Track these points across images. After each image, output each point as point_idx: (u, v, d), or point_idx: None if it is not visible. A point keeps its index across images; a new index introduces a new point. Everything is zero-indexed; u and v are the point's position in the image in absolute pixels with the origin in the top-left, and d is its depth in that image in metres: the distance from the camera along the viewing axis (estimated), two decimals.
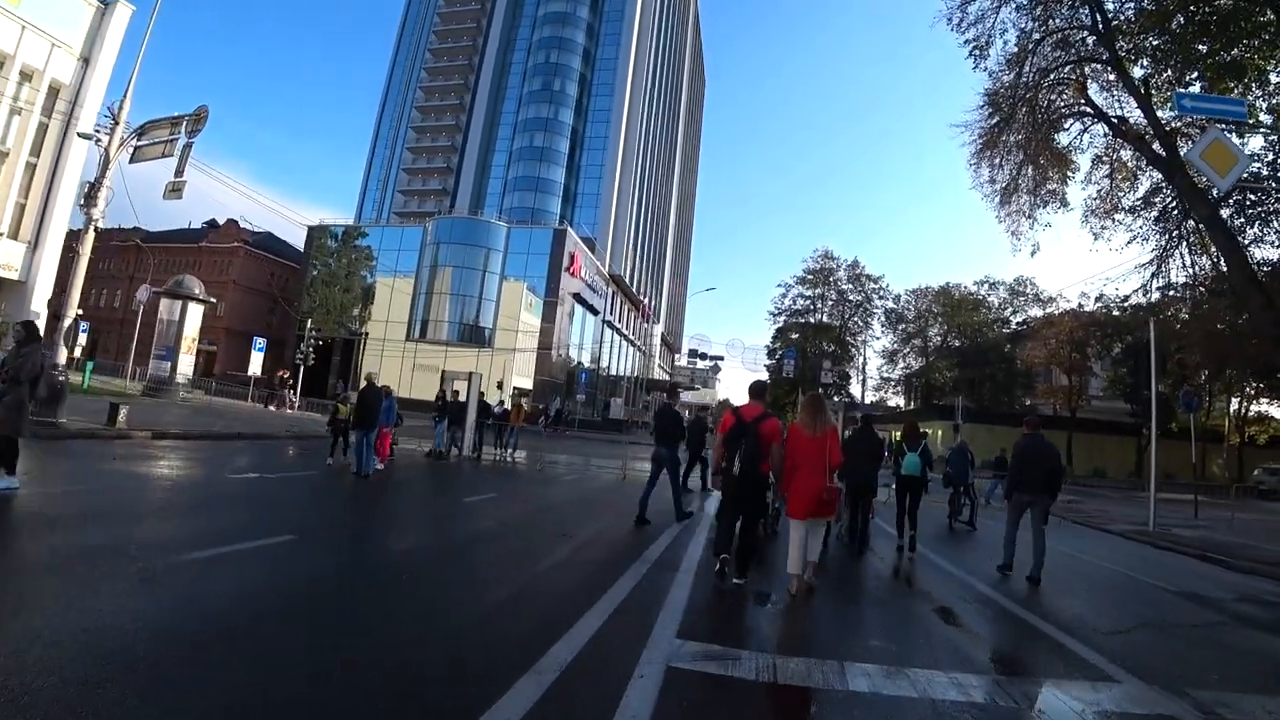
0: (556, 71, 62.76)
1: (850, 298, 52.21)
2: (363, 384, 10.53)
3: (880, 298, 52.91)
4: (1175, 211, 14.55)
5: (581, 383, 42.00)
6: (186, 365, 24.24)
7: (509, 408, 18.32)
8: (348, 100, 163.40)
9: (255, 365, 30.30)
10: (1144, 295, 16.61)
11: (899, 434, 9.58)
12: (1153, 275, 15.80)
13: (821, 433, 5.41)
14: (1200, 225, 13.70)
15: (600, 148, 61.32)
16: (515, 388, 46.84)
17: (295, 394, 29.81)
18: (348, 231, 55.84)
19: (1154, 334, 13.86)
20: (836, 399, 35.31)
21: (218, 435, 14.64)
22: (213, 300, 25.64)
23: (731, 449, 5.46)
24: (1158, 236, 15.54)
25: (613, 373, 61.30)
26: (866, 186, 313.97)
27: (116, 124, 13.77)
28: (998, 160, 16.57)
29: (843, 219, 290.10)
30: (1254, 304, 12.38)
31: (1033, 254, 17.32)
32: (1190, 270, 15.51)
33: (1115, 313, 41.57)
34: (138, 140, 13.67)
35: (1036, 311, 50.53)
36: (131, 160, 13.71)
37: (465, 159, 66.85)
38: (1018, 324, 52.83)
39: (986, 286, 53.93)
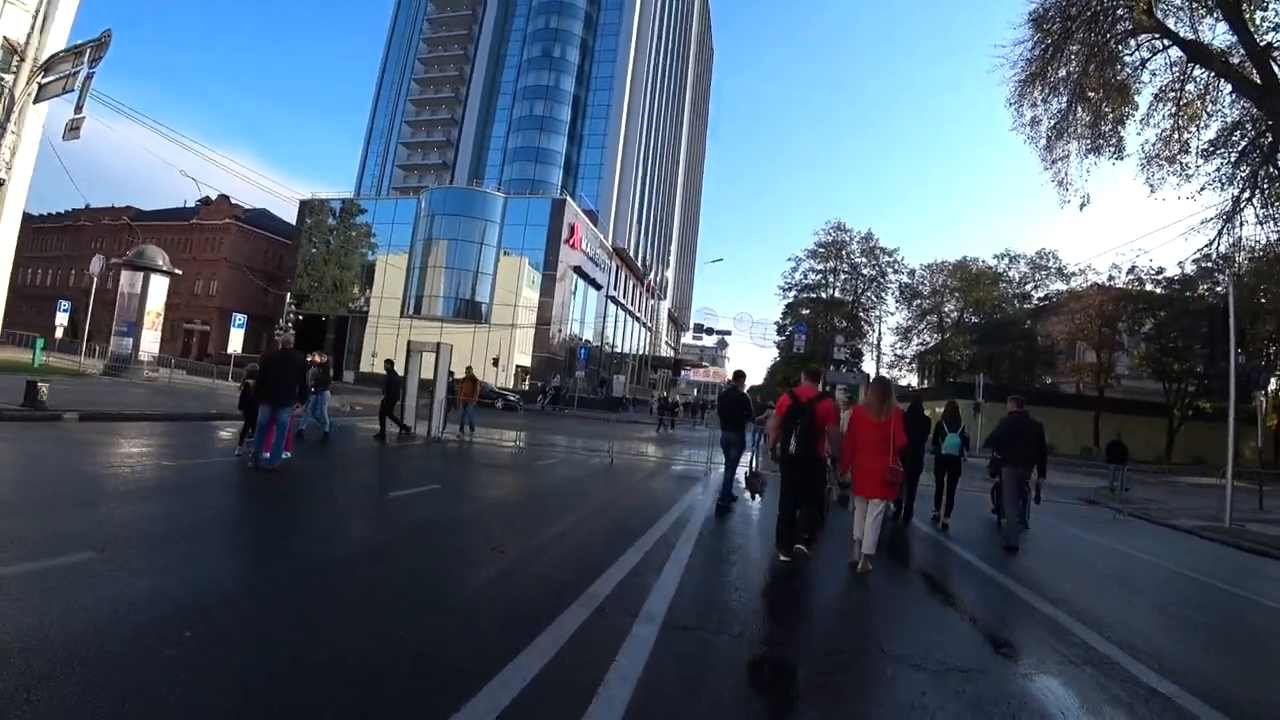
0: (557, 37, 60.05)
1: (863, 272, 49.94)
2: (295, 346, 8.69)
3: (895, 272, 50.62)
4: (1258, 152, 12.37)
5: (581, 359, 40.14)
6: (151, 342, 22.58)
7: (459, 379, 16.20)
8: (346, 73, 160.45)
9: (236, 343, 28.85)
10: (1210, 253, 14.33)
11: (941, 415, 9.58)
12: (1221, 230, 13.59)
13: (886, 416, 5.55)
14: None
15: (603, 116, 58.81)
16: (518, 365, 45.22)
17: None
18: (346, 207, 53.94)
19: (1234, 294, 11.81)
20: (851, 374, 33.27)
21: (154, 416, 12.92)
22: (177, 272, 23.77)
23: (788, 430, 5.69)
24: (1227, 186, 13.37)
25: (618, 349, 59.41)
26: (882, 152, 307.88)
27: (23, 60, 11.92)
28: (1044, 96, 14.37)
29: (857, 190, 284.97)
30: None
31: (1082, 207, 15.04)
32: (1268, 224, 13.29)
33: (1149, 286, 39.47)
34: (43, 78, 11.79)
35: (1060, 286, 48.15)
36: (36, 100, 11.83)
37: (464, 131, 64.57)
38: (1039, 299, 50.45)
39: (1006, 260, 51.54)
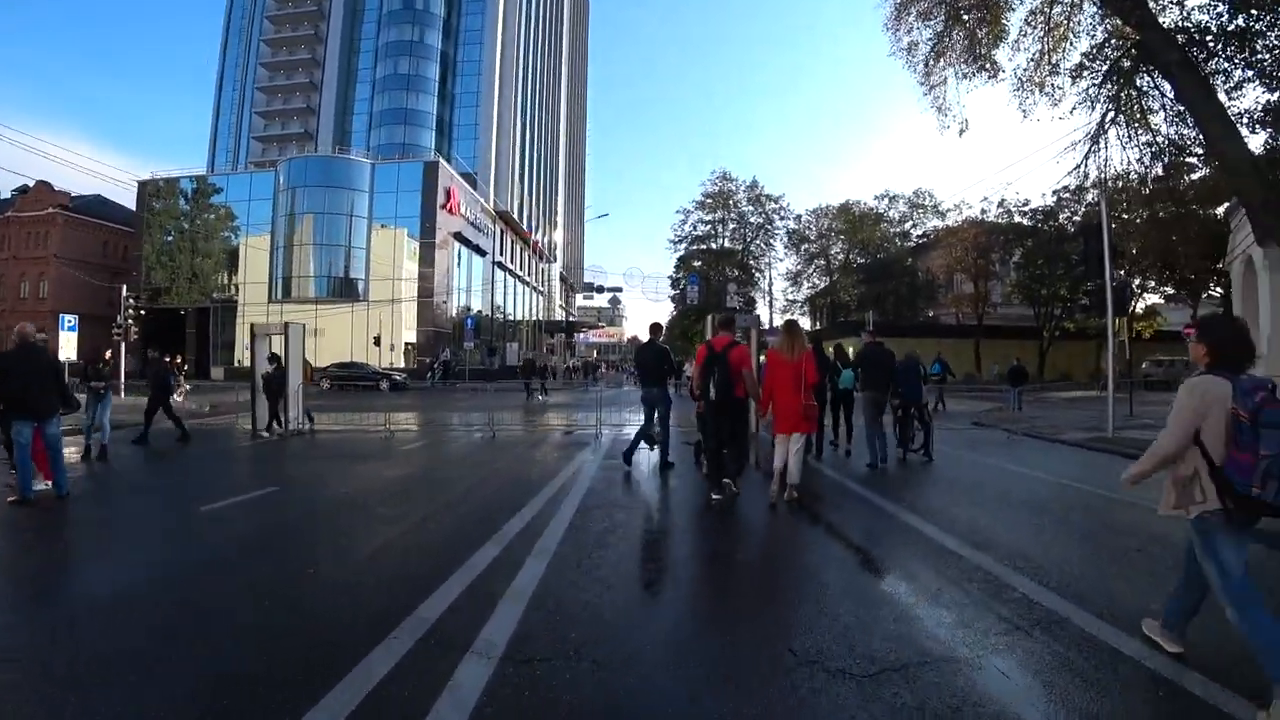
0: None
1: (751, 220, 50.11)
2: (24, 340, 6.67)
3: (781, 218, 51.07)
4: (1119, 74, 12.63)
5: (469, 329, 38.19)
6: None
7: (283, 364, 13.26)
8: (184, 36, 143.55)
9: (68, 349, 25.14)
10: (1079, 175, 14.60)
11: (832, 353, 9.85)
12: (1088, 153, 13.93)
13: (798, 356, 5.88)
14: (1155, 81, 11.94)
15: (475, 73, 55.51)
16: (407, 343, 42.60)
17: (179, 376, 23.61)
18: (199, 186, 48.52)
19: (1105, 210, 11.97)
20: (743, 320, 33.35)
21: None
22: None
23: (706, 377, 5.93)
24: (1095, 107, 13.69)
25: (512, 317, 57.37)
26: (766, 96, 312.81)
27: None
28: (920, 18, 14.24)
29: (740, 137, 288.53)
30: (1235, 158, 10.49)
31: (961, 132, 15.28)
32: (1130, 148, 13.69)
33: (1017, 218, 41.89)
34: None
35: (937, 223, 50.24)
36: None
37: (324, 95, 59.36)
38: (919, 236, 52.51)
39: (886, 201, 53.20)
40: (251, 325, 14.97)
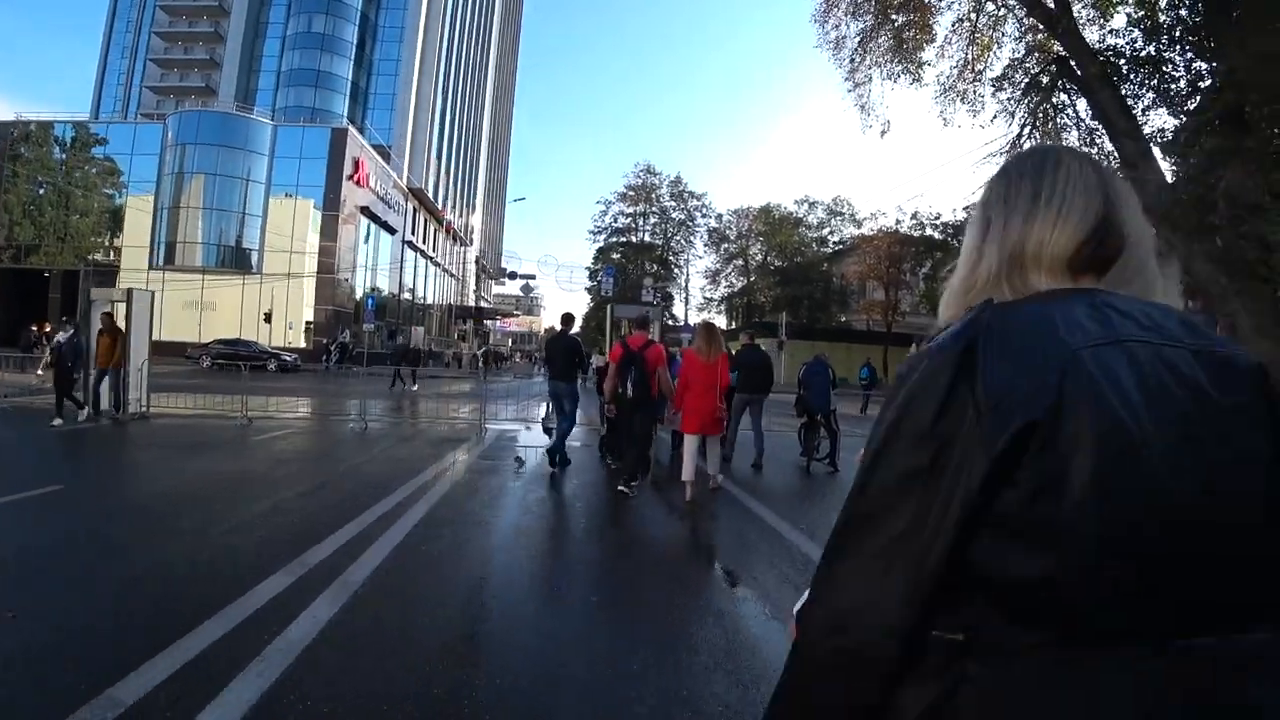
0: None
1: (673, 215, 50.13)
2: None
3: (703, 215, 51.39)
4: (1037, 88, 13.14)
5: (368, 310, 36.27)
6: None
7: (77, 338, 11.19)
8: None
9: None
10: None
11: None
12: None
13: (714, 359, 6.13)
14: (1073, 95, 12.46)
15: (396, 40, 52.74)
16: (308, 321, 40.02)
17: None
18: (79, 135, 43.85)
19: None
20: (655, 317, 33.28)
21: None
22: None
23: (624, 375, 6.22)
24: (1013, 120, 14.24)
25: (425, 300, 55.14)
26: (694, 92, 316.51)
27: None
28: (849, 12, 14.39)
29: (666, 132, 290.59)
30: (1148, 176, 10.85)
31: (883, 134, 15.62)
32: None
33: (929, 230, 43.70)
34: None
35: (853, 230, 51.74)
36: None
37: (229, 46, 54.98)
38: (835, 243, 53.95)
39: (806, 205, 54.33)
40: (89, 290, 13.33)
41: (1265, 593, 0.61)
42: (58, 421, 9.55)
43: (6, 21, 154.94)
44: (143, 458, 8.13)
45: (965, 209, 42.48)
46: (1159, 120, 13.39)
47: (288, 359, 31.28)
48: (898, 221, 44.99)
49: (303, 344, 37.74)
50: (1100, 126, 14.17)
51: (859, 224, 51.92)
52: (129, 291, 12.41)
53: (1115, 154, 13.09)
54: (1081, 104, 13.98)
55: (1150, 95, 13.08)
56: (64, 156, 43.67)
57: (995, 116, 14.99)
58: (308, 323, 40.03)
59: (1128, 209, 0.77)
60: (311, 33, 50.67)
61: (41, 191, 43.66)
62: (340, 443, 9.72)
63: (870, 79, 15.12)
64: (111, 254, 42.22)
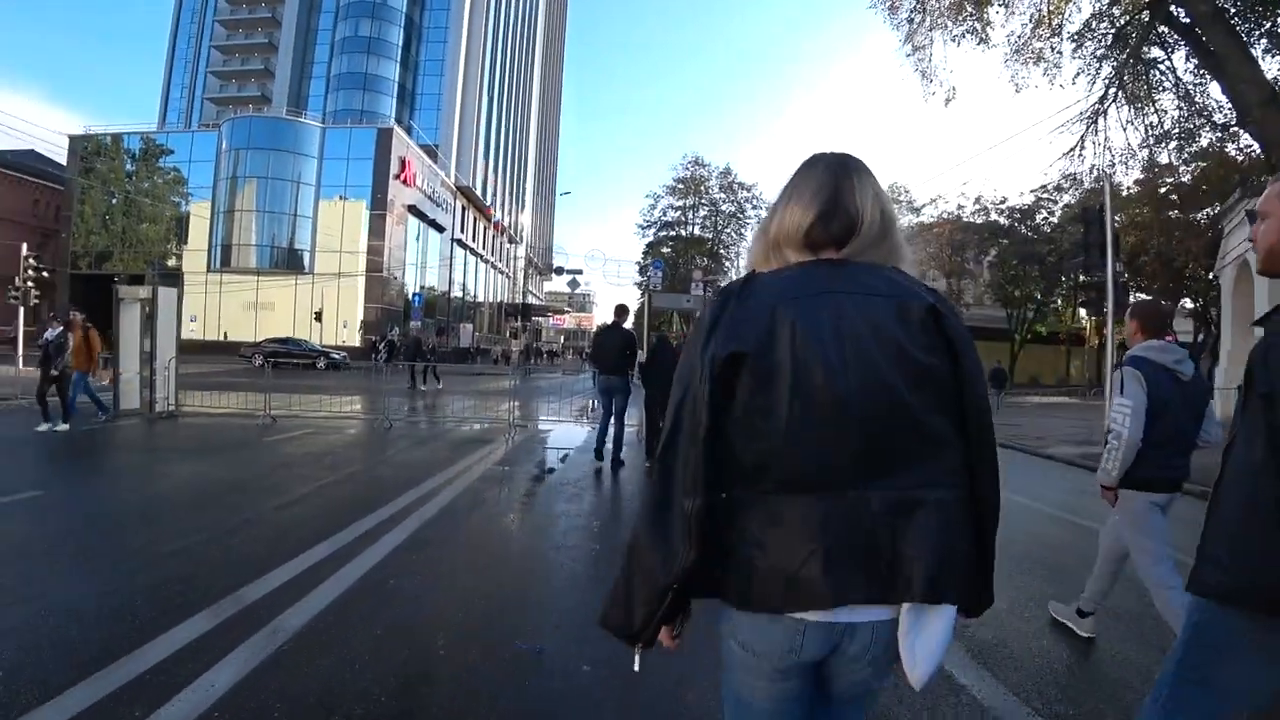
0: None
1: (723, 208, 48.49)
2: None
3: (754, 207, 49.47)
4: (1123, 43, 11.50)
5: (415, 307, 36.00)
6: None
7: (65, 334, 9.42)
8: None
9: None
10: (1077, 157, 13.40)
11: None
12: (1084, 135, 12.84)
13: None
14: (1169, 48, 11.00)
15: (441, 40, 52.79)
16: (362, 320, 40.21)
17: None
18: (147, 147, 45.34)
19: (1109, 194, 10.73)
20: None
21: None
22: None
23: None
24: (1094, 80, 12.56)
25: (475, 298, 55.05)
26: (747, 80, 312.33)
27: None
28: None
29: (717, 121, 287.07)
30: (1270, 125, 9.14)
31: (947, 102, 14.07)
32: (1132, 129, 12.57)
33: (995, 216, 41.05)
34: None
35: (911, 219, 49.11)
36: None
37: (281, 56, 56.16)
38: None
39: None
40: (116, 288, 12.77)
41: (906, 455, 0.96)
42: (43, 426, 8.49)
43: (79, 44, 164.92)
44: (135, 461, 7.44)
45: (1033, 193, 40.13)
46: (1271, 69, 11.47)
47: (337, 357, 31.18)
48: (959, 207, 42.94)
49: (356, 342, 37.86)
50: (1201, 81, 12.32)
51: (917, 211, 49.37)
52: (155, 290, 11.84)
53: (1227, 106, 11.29)
54: (1178, 58, 12.20)
55: (1264, 41, 11.28)
56: (133, 168, 45.16)
57: (1076, 76, 13.20)
58: (362, 321, 40.19)
59: (860, 197, 1.05)
60: (358, 36, 51.17)
61: (114, 201, 45.27)
62: (354, 444, 8.92)
63: (931, 41, 13.67)
64: (174, 259, 43.39)
